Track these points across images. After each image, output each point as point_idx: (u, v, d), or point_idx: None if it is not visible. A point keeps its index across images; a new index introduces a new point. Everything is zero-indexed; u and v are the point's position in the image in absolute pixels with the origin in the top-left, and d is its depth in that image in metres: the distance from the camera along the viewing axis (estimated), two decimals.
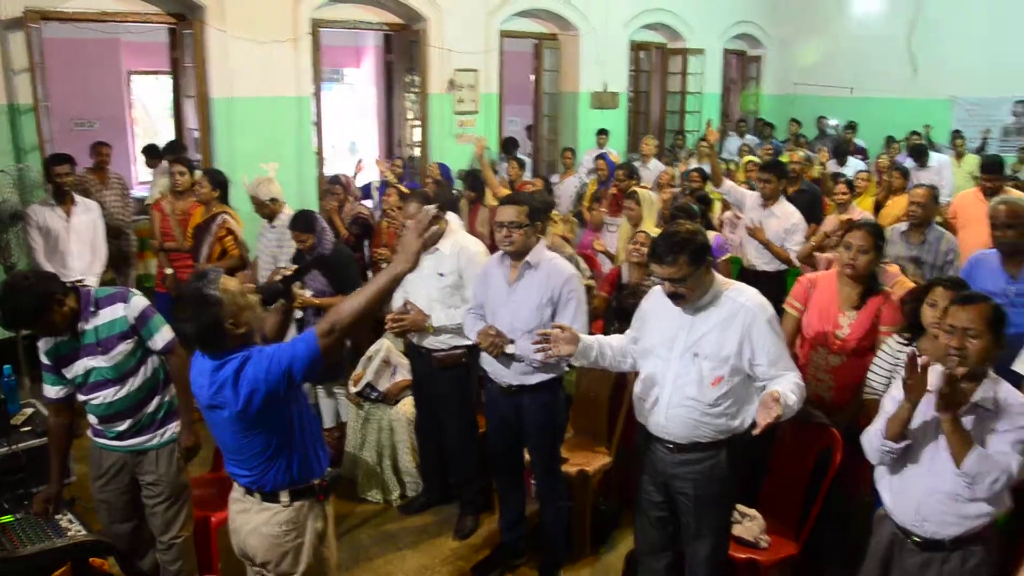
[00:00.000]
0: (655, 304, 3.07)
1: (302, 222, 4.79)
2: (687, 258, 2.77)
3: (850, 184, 6.25)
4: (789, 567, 3.47)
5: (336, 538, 2.94)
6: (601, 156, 8.90)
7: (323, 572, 2.74)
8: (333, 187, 6.32)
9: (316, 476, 2.67)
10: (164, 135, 10.16)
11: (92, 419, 3.26)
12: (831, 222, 6.02)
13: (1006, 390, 2.55)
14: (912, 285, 4.27)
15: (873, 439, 2.72)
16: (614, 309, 4.71)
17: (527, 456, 3.93)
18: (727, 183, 6.14)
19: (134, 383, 3.19)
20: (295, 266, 2.89)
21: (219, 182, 5.59)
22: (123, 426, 3.22)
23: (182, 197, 5.84)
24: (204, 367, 2.50)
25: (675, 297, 2.85)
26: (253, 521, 2.64)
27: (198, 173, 6.07)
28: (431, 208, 2.48)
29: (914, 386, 2.55)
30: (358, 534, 4.36)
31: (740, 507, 3.45)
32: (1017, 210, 3.87)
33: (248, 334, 2.54)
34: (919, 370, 2.54)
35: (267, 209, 5.27)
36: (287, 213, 5.31)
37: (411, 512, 4.57)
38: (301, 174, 8.03)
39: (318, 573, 2.72)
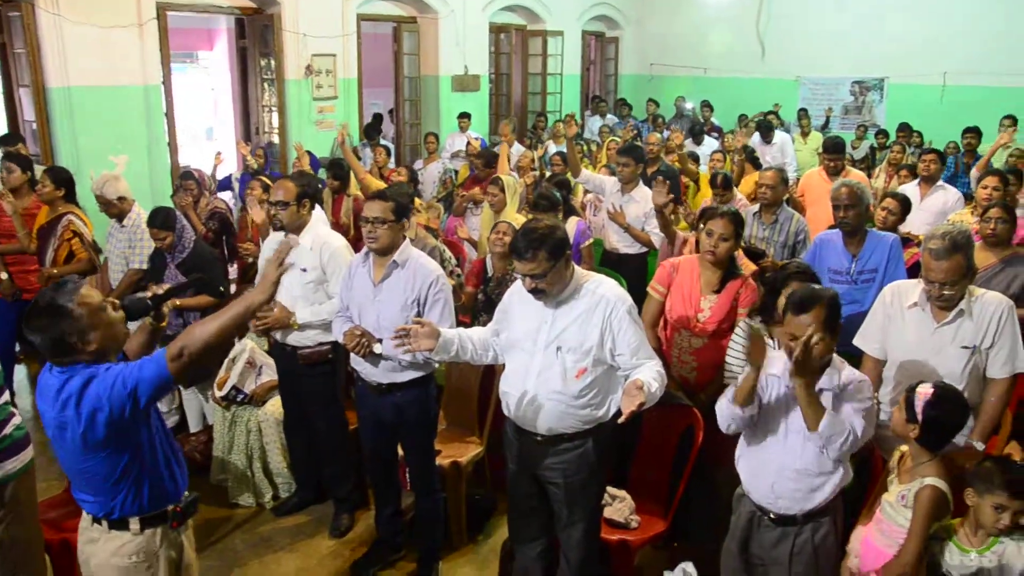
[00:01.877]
0: (517, 298, 3.09)
1: (160, 219, 4.59)
2: (546, 254, 2.81)
3: (727, 181, 6.39)
4: (659, 544, 3.62)
5: (196, 561, 2.79)
6: (477, 139, 8.91)
7: None
8: (186, 182, 6.04)
9: (170, 502, 2.55)
10: None
11: None
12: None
13: (847, 373, 2.73)
14: (753, 268, 4.51)
15: (724, 406, 2.85)
16: (482, 302, 4.74)
17: (400, 451, 3.92)
18: (584, 172, 6.23)
19: None
20: (167, 285, 2.70)
21: (63, 180, 5.23)
22: None
23: (22, 196, 5.45)
24: (48, 382, 2.38)
25: (536, 292, 2.89)
26: (101, 552, 2.51)
27: (39, 169, 5.67)
28: (293, 238, 2.44)
29: (754, 352, 2.68)
30: (231, 540, 4.23)
31: (610, 489, 3.56)
32: (857, 192, 4.12)
33: (100, 352, 2.39)
34: (756, 341, 2.68)
35: (115, 208, 4.99)
36: (137, 212, 5.06)
37: (285, 513, 4.47)
38: (154, 167, 7.66)
39: None
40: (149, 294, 2.65)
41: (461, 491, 4.17)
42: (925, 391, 2.64)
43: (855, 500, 3.05)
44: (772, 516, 2.81)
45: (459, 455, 4.19)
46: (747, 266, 4.52)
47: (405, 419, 3.68)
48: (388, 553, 4.03)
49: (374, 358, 3.57)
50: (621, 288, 3.01)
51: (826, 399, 2.68)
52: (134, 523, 2.49)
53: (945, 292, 3.00)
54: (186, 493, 2.63)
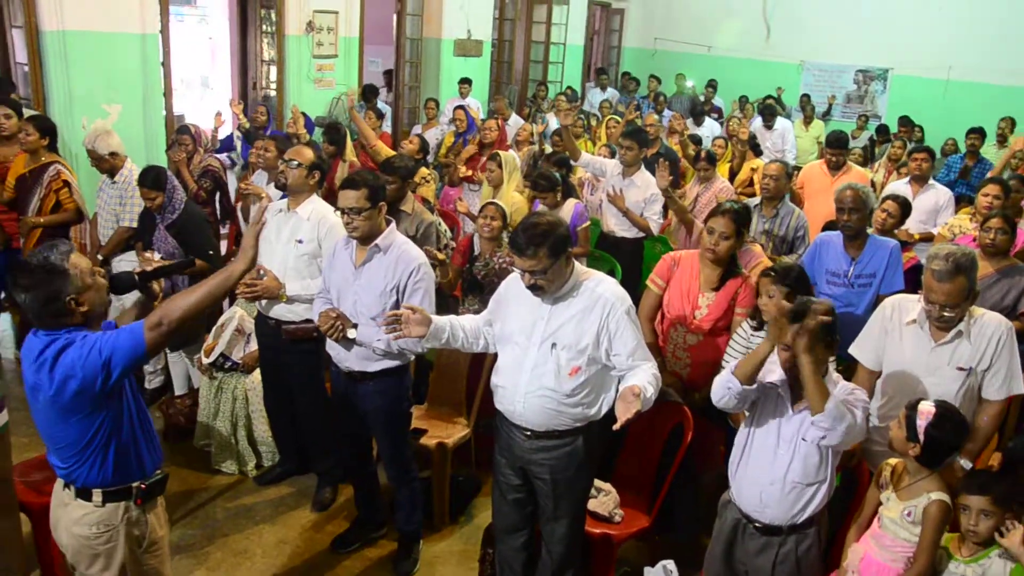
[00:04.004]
0: (514, 291, 3.04)
1: (151, 179, 4.50)
2: (547, 251, 2.76)
3: (711, 158, 6.40)
4: (642, 539, 3.63)
5: (166, 539, 2.73)
6: (460, 107, 8.77)
7: None
8: (181, 137, 5.93)
9: (135, 478, 2.52)
10: None
11: None
12: (694, 193, 6.21)
13: (842, 385, 2.74)
14: (768, 263, 4.49)
15: (723, 378, 2.82)
16: (468, 282, 4.69)
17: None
18: (585, 155, 6.15)
19: None
20: (156, 262, 2.68)
21: (47, 129, 5.13)
22: None
23: (6, 143, 5.33)
24: (32, 345, 2.37)
25: (534, 288, 2.85)
26: (65, 518, 2.51)
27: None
28: (267, 203, 2.41)
29: (775, 329, 2.67)
30: (212, 509, 4.22)
31: (596, 482, 3.55)
32: (863, 196, 4.09)
33: (90, 316, 2.40)
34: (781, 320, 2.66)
35: (107, 164, 4.90)
36: (129, 168, 4.97)
37: (267, 483, 4.46)
38: (148, 117, 7.49)
39: None
40: (138, 269, 2.64)
41: (446, 473, 4.16)
42: (927, 410, 2.63)
43: (839, 513, 3.06)
44: (758, 525, 2.82)
45: (445, 436, 4.18)
46: (767, 263, 4.51)
47: (376, 409, 3.63)
48: (370, 530, 4.04)
49: (347, 343, 3.51)
50: (620, 288, 2.97)
51: None
52: (96, 495, 2.47)
53: (945, 314, 2.97)
54: (157, 472, 2.60)
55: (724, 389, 2.79)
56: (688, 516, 3.89)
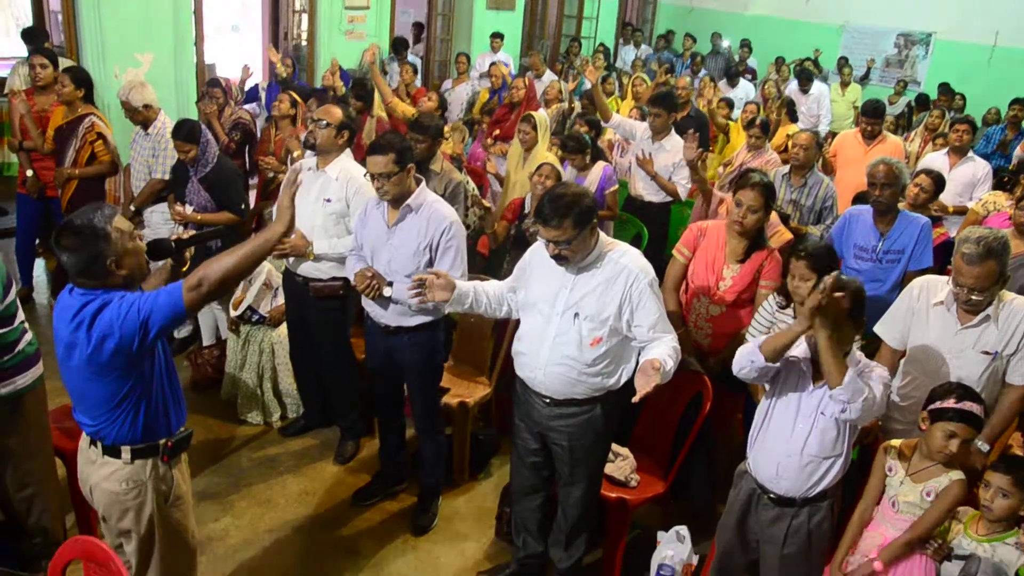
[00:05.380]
0: (539, 259, 3.06)
1: (185, 132, 4.54)
2: (572, 221, 2.77)
3: (764, 126, 6.28)
4: (657, 503, 3.68)
5: (189, 493, 2.77)
6: (495, 63, 8.69)
7: (174, 534, 2.67)
8: (212, 90, 5.96)
9: (162, 435, 2.56)
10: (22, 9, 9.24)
11: None
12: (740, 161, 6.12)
13: (864, 363, 2.74)
14: (790, 236, 4.45)
15: (748, 349, 2.80)
16: (513, 237, 4.72)
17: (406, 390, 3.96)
18: (615, 117, 6.09)
19: None
20: (193, 232, 2.70)
21: (82, 80, 5.16)
22: None
23: (43, 93, 5.39)
24: (68, 303, 2.40)
25: (559, 258, 2.86)
26: (96, 475, 2.56)
27: (62, 64, 5.59)
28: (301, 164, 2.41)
29: (811, 313, 2.61)
30: (238, 458, 4.33)
31: (613, 446, 3.59)
32: (896, 171, 4.03)
33: (129, 278, 2.43)
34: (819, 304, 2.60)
35: (140, 116, 4.93)
36: (163, 120, 5.01)
37: (291, 434, 4.56)
38: (179, 66, 7.52)
39: (167, 535, 2.64)
40: (174, 237, 2.64)
41: (467, 431, 4.23)
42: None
43: (854, 487, 3.08)
44: (772, 496, 2.85)
45: (467, 395, 4.24)
46: (784, 234, 4.48)
47: (411, 361, 3.71)
48: (390, 484, 4.12)
49: (383, 301, 3.57)
50: (644, 260, 2.97)
51: None
52: (125, 452, 2.52)
53: (974, 297, 2.94)
54: (182, 429, 2.65)
55: (747, 361, 2.78)
56: (703, 484, 3.94)
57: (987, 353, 3.04)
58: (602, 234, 3.00)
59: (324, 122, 3.88)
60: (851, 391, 2.58)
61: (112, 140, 5.22)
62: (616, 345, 2.96)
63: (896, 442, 2.86)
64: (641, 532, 3.79)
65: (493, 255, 5.18)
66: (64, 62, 5.81)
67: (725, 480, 3.22)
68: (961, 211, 5.55)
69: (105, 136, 5.15)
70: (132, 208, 5.07)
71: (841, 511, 2.97)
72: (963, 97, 10.09)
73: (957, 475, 2.67)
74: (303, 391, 4.58)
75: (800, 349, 2.79)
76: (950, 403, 2.67)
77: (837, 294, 2.58)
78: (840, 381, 2.59)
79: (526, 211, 4.73)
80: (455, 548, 3.82)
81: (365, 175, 3.49)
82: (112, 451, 2.52)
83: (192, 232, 2.70)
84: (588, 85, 8.43)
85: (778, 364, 2.77)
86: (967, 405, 2.65)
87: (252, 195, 6.42)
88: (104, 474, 2.55)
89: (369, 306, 3.68)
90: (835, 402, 2.64)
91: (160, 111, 5.04)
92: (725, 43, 12.59)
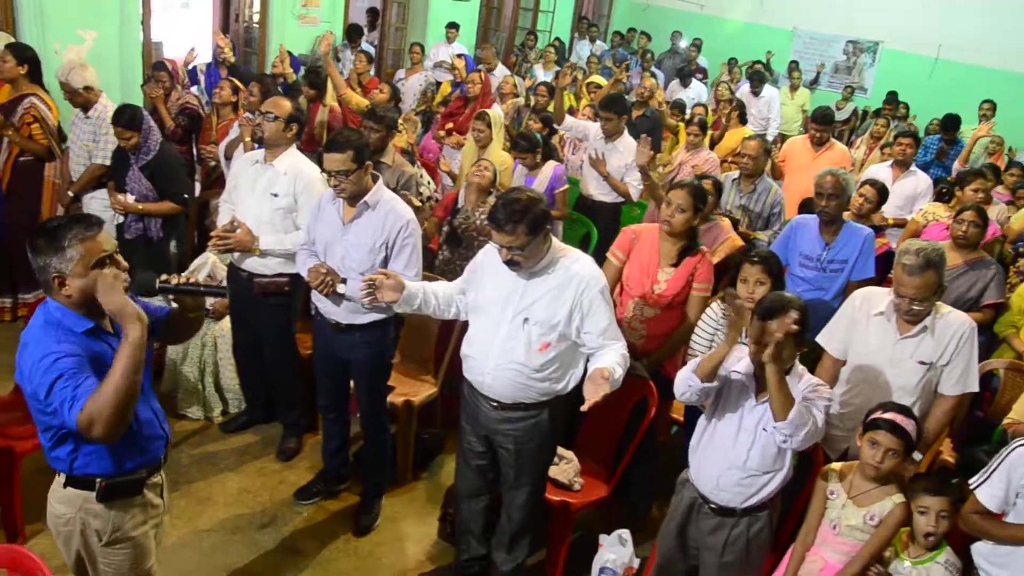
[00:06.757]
0: (490, 262, 3.04)
1: (126, 118, 4.38)
2: (525, 227, 2.76)
3: (703, 125, 6.38)
4: (599, 506, 3.70)
5: (151, 531, 2.52)
6: (461, 55, 8.63)
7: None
8: (158, 73, 5.79)
9: (104, 472, 2.33)
10: None
11: None
12: (679, 161, 6.19)
13: (807, 379, 2.78)
14: (741, 243, 4.51)
15: (686, 374, 2.84)
16: (446, 234, 4.69)
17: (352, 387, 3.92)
18: (568, 119, 6.09)
19: None
20: (180, 278, 2.40)
21: (27, 57, 4.94)
22: None
23: None
24: (37, 312, 2.27)
25: (511, 264, 2.85)
26: (53, 488, 2.43)
27: (1, 43, 5.37)
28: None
29: (731, 332, 2.70)
30: (177, 454, 4.22)
31: (559, 449, 3.60)
32: (842, 183, 4.10)
33: (78, 304, 2.21)
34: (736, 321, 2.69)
35: (80, 98, 4.77)
36: (104, 103, 4.85)
37: (232, 430, 4.48)
38: (124, 46, 7.26)
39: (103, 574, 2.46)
40: (163, 277, 2.37)
41: (411, 430, 4.20)
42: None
43: (792, 493, 3.14)
44: (712, 506, 2.88)
45: (412, 393, 4.21)
46: (735, 240, 4.53)
47: (360, 359, 3.67)
48: (333, 483, 4.08)
49: (336, 297, 3.52)
50: (596, 267, 2.98)
51: None
52: (61, 476, 2.37)
53: (914, 307, 3.04)
54: (140, 471, 2.41)
55: (686, 386, 2.81)
56: (645, 487, 3.98)
57: (923, 363, 3.13)
58: (555, 240, 3.00)
59: (272, 115, 3.80)
60: (795, 425, 2.61)
61: (53, 123, 5.02)
62: (565, 351, 2.96)
63: (836, 465, 2.92)
64: (583, 535, 3.81)
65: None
66: (8, 39, 5.58)
67: (665, 482, 3.25)
68: (901, 224, 5.68)
69: (45, 119, 4.94)
70: (71, 194, 4.91)
71: (780, 515, 3.02)
72: (906, 106, 10.34)
73: (899, 498, 2.72)
74: (246, 387, 4.50)
75: (743, 364, 2.82)
76: (880, 414, 2.75)
77: (794, 327, 2.60)
78: (785, 416, 2.60)
79: (459, 206, 4.71)
80: (397, 548, 3.79)
81: (322, 173, 3.43)
82: (54, 469, 2.37)
83: (181, 279, 2.41)
84: (541, 79, 8.46)
85: (716, 383, 2.79)
86: (897, 418, 2.71)
87: (197, 189, 6.29)
88: (52, 491, 2.41)
89: (320, 302, 3.63)
90: (778, 433, 2.67)
91: (101, 93, 4.87)
92: (683, 43, 12.68)
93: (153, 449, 2.46)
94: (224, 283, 2.13)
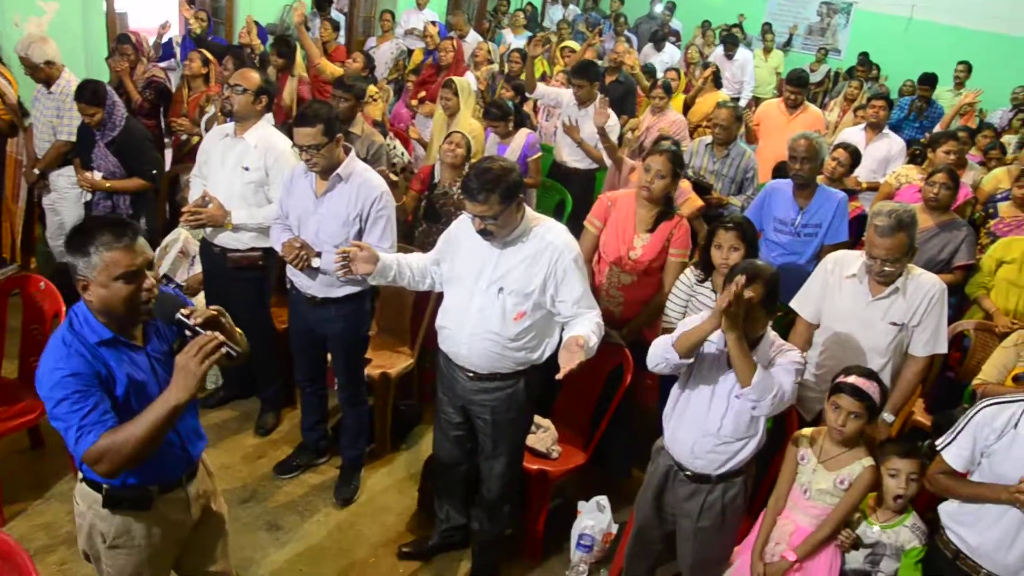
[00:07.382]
0: (464, 232, 3.02)
1: (89, 93, 4.31)
2: (498, 196, 2.74)
3: (667, 87, 6.37)
4: (577, 473, 3.73)
5: (160, 545, 2.42)
6: (434, 22, 8.51)
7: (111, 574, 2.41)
8: (122, 46, 5.67)
9: (103, 480, 2.25)
10: None
11: None
12: (646, 125, 6.17)
13: (777, 345, 2.79)
14: (700, 204, 4.52)
15: (661, 347, 2.83)
16: (424, 208, 4.65)
17: (330, 360, 3.91)
18: (540, 87, 6.04)
19: None
20: (200, 316, 2.16)
21: None
22: None
23: None
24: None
25: (484, 233, 2.84)
26: None
27: None
28: (218, 337, 2.03)
29: (720, 313, 2.60)
30: None
31: (536, 418, 3.61)
32: (816, 146, 4.11)
33: (99, 311, 2.15)
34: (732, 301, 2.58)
35: (42, 73, 4.67)
36: (67, 78, 4.76)
37: (210, 406, 4.46)
38: (88, 18, 7.07)
39: (105, 572, 2.41)
40: (185, 311, 2.16)
41: (388, 402, 4.20)
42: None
43: (766, 458, 3.17)
44: (688, 473, 2.90)
45: (389, 365, 4.21)
46: (695, 201, 4.53)
47: (337, 333, 3.67)
48: (311, 457, 4.09)
49: (311, 271, 3.50)
50: (570, 235, 2.97)
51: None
52: (80, 472, 2.34)
53: (886, 268, 3.07)
54: (150, 487, 2.33)
55: (661, 358, 2.80)
56: (622, 454, 4.01)
57: (895, 324, 3.16)
58: (528, 209, 2.98)
59: (241, 88, 3.74)
60: (760, 390, 2.61)
61: (13, 98, 4.92)
62: (540, 320, 2.96)
63: (807, 431, 2.95)
64: (562, 502, 3.84)
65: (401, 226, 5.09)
66: None
67: (642, 448, 3.27)
68: (874, 187, 5.71)
69: (4, 94, 4.84)
70: (36, 171, 4.83)
71: (755, 481, 3.05)
72: (878, 68, 10.34)
73: (868, 462, 2.76)
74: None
75: (716, 334, 2.81)
76: (842, 378, 2.78)
77: (748, 294, 2.57)
78: (749, 382, 2.61)
79: (436, 180, 4.67)
80: (378, 520, 3.81)
81: (293, 147, 3.39)
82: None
83: (198, 320, 2.14)
84: (515, 45, 8.36)
85: (691, 359, 2.78)
86: (859, 381, 2.74)
87: (168, 157, 6.20)
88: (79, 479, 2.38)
89: (295, 276, 3.60)
90: (745, 400, 2.68)
91: (64, 68, 4.77)
92: (659, 7, 12.57)
93: (165, 469, 2.35)
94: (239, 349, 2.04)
